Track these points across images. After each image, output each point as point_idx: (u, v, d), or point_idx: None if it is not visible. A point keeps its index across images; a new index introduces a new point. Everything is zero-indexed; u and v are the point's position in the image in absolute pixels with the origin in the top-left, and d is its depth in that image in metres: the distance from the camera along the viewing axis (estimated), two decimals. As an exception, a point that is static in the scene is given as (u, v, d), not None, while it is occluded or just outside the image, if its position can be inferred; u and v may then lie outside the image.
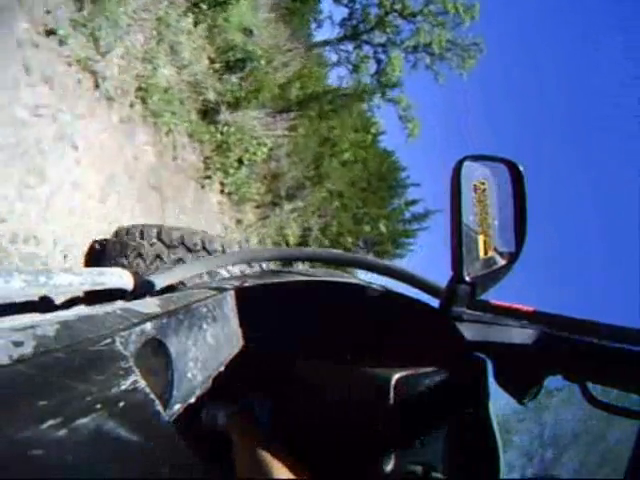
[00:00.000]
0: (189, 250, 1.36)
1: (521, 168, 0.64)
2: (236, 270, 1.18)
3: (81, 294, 0.84)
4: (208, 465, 0.66)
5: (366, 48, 7.72)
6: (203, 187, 3.97)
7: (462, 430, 0.66)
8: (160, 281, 0.79)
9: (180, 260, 1.33)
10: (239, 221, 4.65)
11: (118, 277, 0.99)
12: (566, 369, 0.59)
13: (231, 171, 4.16)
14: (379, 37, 7.57)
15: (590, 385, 0.57)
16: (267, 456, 0.62)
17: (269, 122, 4.64)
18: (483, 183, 0.63)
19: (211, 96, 3.83)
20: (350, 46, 7.76)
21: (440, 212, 7.72)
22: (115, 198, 2.59)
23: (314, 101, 6.13)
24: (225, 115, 4.00)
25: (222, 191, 4.27)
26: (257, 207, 5.06)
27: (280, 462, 0.61)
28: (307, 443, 0.67)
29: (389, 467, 0.61)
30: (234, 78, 4.11)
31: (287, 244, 5.62)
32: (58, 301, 0.78)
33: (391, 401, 0.61)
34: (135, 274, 1.07)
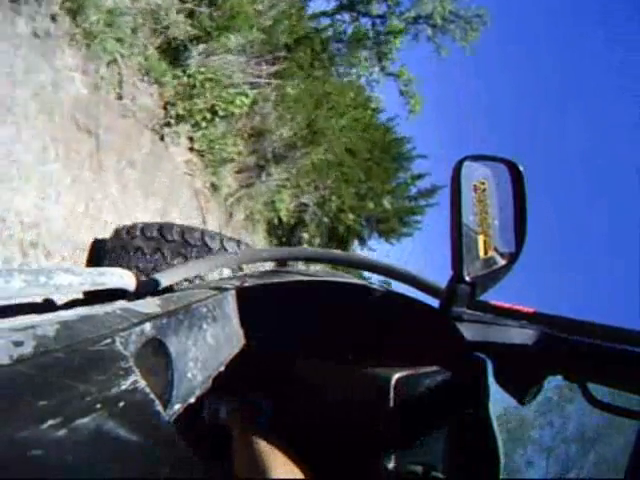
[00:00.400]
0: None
1: (521, 168, 0.64)
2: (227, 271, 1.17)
3: (81, 294, 0.84)
4: (209, 464, 0.66)
5: (364, 20, 7.04)
6: (163, 139, 3.15)
7: (462, 430, 0.66)
8: (160, 281, 0.79)
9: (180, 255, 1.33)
10: (215, 187, 3.87)
11: (118, 277, 0.99)
12: (566, 369, 0.59)
13: (203, 124, 3.40)
14: (378, 8, 6.90)
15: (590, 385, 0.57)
16: (266, 452, 0.62)
17: (253, 71, 3.89)
18: (483, 183, 0.63)
19: (176, 31, 3.08)
20: (347, 16, 7.01)
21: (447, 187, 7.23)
22: (26, 137, 1.88)
23: (305, 45, 5.33)
24: (195, 58, 3.22)
25: (191, 148, 3.49)
26: (238, 172, 4.29)
27: (279, 458, 0.61)
28: (307, 443, 0.67)
29: (389, 467, 0.61)
30: (205, 9, 3.28)
31: (280, 222, 5.10)
32: (58, 301, 0.78)
33: (391, 401, 0.61)
34: (135, 274, 1.07)
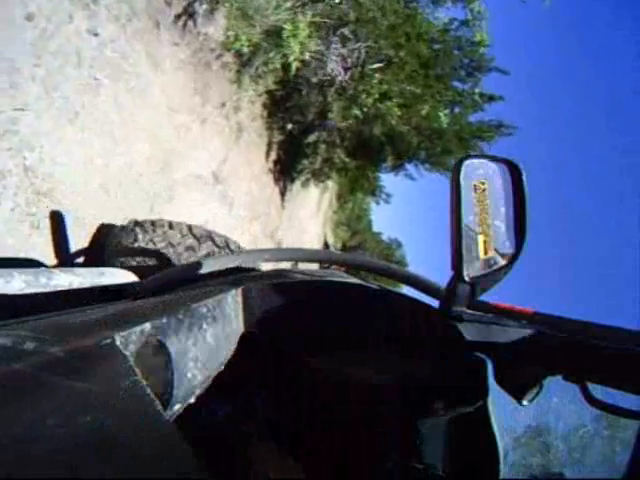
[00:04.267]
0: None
1: (521, 168, 0.64)
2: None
3: (81, 294, 0.84)
4: (208, 464, 0.66)
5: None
6: None
7: (462, 430, 0.66)
8: (160, 281, 0.79)
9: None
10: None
11: (118, 277, 0.99)
12: (566, 369, 0.59)
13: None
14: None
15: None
16: (265, 452, 0.62)
17: None
18: (483, 183, 0.63)
19: None
20: None
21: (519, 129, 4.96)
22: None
23: None
24: None
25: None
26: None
27: (277, 458, 0.61)
28: (307, 443, 0.67)
29: (389, 467, 0.61)
30: None
31: (286, 74, 3.59)
32: (58, 301, 0.78)
33: (391, 401, 0.61)
34: (135, 274, 1.07)
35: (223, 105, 3.49)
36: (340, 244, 12.36)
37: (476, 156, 0.64)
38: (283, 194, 5.43)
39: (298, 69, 3.59)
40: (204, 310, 0.52)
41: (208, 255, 1.34)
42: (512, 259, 0.65)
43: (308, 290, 0.72)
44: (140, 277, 1.05)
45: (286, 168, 5.15)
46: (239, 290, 0.65)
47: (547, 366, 0.61)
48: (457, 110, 4.91)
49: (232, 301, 0.62)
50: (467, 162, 0.61)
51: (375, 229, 15.94)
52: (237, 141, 3.83)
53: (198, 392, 0.47)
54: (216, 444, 0.73)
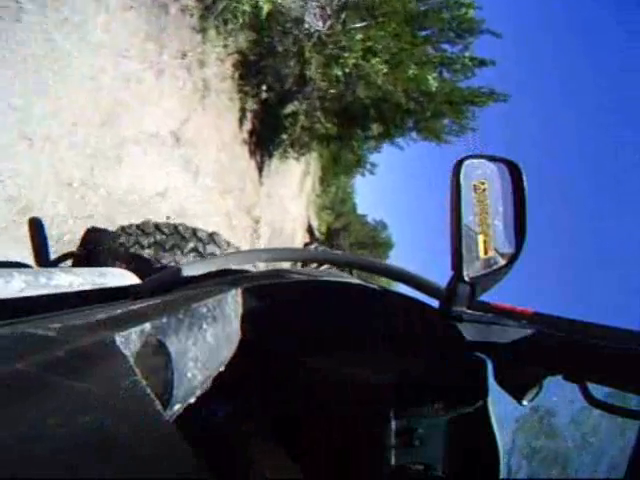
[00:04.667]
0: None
1: (521, 168, 0.64)
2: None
3: (81, 294, 0.84)
4: (208, 464, 0.66)
5: None
6: None
7: (462, 430, 0.66)
8: (160, 281, 0.79)
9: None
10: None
11: (118, 277, 0.99)
12: (566, 369, 0.59)
13: None
14: None
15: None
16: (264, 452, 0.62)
17: None
18: (483, 183, 0.63)
19: None
20: None
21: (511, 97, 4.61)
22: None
23: None
24: None
25: None
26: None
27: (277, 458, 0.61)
28: (307, 443, 0.67)
29: (389, 467, 0.61)
30: None
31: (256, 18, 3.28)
32: (58, 301, 0.78)
33: (391, 401, 0.61)
34: (135, 274, 1.07)
35: (184, 56, 3.06)
36: (324, 227, 12.07)
37: (476, 156, 0.64)
38: (260, 169, 4.88)
39: (270, 15, 3.19)
40: (204, 310, 0.52)
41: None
42: (512, 259, 0.65)
43: (307, 290, 0.72)
44: (140, 277, 1.05)
45: (263, 141, 4.66)
46: (239, 290, 0.65)
47: (547, 366, 0.62)
48: (447, 76, 4.58)
49: (232, 301, 0.62)
50: (467, 162, 0.61)
51: (360, 212, 15.76)
52: (202, 101, 3.36)
53: (198, 392, 0.47)
54: (216, 444, 0.73)
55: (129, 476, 0.20)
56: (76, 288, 0.82)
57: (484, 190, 0.63)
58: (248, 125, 4.38)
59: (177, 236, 1.33)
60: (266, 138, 4.68)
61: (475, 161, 0.63)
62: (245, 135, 4.40)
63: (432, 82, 4.04)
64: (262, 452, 0.70)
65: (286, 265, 1.77)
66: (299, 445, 0.68)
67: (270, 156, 5.02)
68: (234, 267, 0.96)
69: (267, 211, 5.31)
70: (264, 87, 4.04)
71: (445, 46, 4.58)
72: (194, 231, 1.36)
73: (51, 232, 1.71)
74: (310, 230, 9.83)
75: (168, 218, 2.54)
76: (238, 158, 4.29)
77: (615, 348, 0.53)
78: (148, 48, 2.62)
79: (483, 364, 0.66)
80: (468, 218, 0.61)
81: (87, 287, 0.86)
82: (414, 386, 0.63)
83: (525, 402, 0.64)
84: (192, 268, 0.82)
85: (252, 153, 4.61)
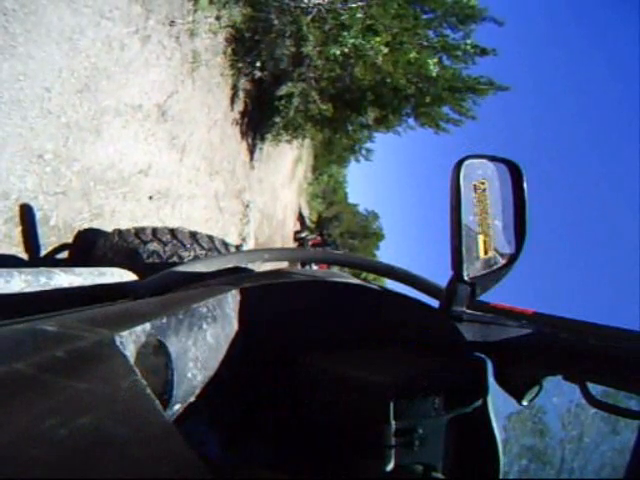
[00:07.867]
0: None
1: (521, 168, 0.64)
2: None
3: (81, 294, 0.84)
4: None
5: None
6: None
7: (462, 430, 0.66)
8: (160, 281, 0.79)
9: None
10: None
11: (118, 277, 0.99)
12: (566, 369, 0.59)
13: None
14: None
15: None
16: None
17: None
18: (483, 183, 0.63)
19: None
20: None
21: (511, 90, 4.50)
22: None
23: None
24: None
25: None
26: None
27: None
28: (307, 443, 0.67)
29: (389, 467, 0.61)
30: None
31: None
32: (58, 301, 0.78)
33: (391, 401, 0.61)
34: (135, 274, 1.07)
35: (172, 23, 2.81)
36: (315, 216, 11.82)
37: (476, 156, 0.64)
38: (252, 152, 4.69)
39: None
40: (204, 310, 0.52)
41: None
42: (512, 259, 0.65)
43: (307, 290, 0.72)
44: (140, 277, 1.05)
45: (255, 122, 4.50)
46: (239, 290, 0.65)
47: (547, 366, 0.62)
48: (447, 62, 4.45)
49: (232, 301, 0.62)
50: (467, 162, 0.61)
51: (351, 201, 15.77)
52: (191, 74, 3.11)
53: (198, 392, 0.48)
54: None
55: (129, 476, 0.20)
56: (76, 288, 0.82)
57: (484, 190, 0.63)
58: (240, 105, 4.16)
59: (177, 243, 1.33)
60: (258, 120, 4.48)
61: (475, 161, 0.63)
62: (237, 115, 4.19)
63: (433, 67, 3.93)
64: (262, 452, 0.70)
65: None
66: (299, 445, 0.68)
67: (262, 139, 4.82)
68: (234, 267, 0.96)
69: (258, 196, 5.12)
70: (258, 65, 3.86)
71: (447, 32, 4.44)
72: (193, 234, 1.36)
73: (16, 209, 1.51)
74: (301, 218, 9.61)
75: (151, 198, 2.39)
76: (229, 139, 4.04)
77: (615, 348, 0.53)
78: (134, 11, 2.36)
79: (483, 364, 0.66)
80: (468, 218, 0.61)
81: (87, 287, 0.86)
82: (414, 386, 0.63)
83: (525, 402, 0.64)
84: (192, 268, 0.82)
85: (244, 134, 4.41)
